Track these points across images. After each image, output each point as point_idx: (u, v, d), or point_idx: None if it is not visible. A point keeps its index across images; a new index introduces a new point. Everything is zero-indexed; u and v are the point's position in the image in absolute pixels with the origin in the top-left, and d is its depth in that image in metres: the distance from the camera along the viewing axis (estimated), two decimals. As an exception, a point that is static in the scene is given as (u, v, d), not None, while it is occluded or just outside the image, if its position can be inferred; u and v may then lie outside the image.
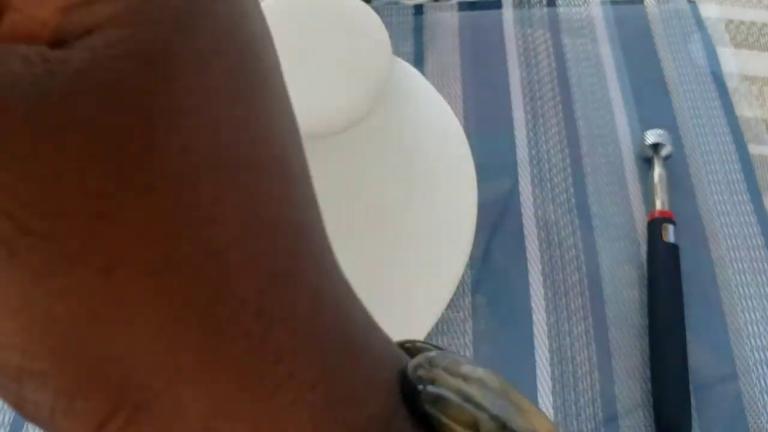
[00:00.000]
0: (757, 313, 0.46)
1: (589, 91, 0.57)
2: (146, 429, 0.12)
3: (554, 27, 0.61)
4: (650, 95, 0.56)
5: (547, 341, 0.45)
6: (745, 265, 0.48)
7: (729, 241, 0.49)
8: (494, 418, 0.14)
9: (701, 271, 0.47)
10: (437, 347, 0.16)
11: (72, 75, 0.11)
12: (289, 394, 0.13)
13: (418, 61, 0.58)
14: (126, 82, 0.11)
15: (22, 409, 0.12)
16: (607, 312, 0.46)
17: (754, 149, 0.53)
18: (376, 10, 0.49)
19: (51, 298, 0.11)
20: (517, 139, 0.54)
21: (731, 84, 0.57)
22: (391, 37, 0.38)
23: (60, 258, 0.11)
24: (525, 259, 0.48)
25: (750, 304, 0.46)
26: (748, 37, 0.60)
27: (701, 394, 0.43)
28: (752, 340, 0.45)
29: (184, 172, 0.12)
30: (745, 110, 0.56)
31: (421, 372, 0.15)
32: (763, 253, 0.48)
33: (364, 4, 0.38)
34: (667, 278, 0.46)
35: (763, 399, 0.43)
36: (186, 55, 0.12)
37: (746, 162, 0.52)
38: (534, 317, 0.46)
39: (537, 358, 0.44)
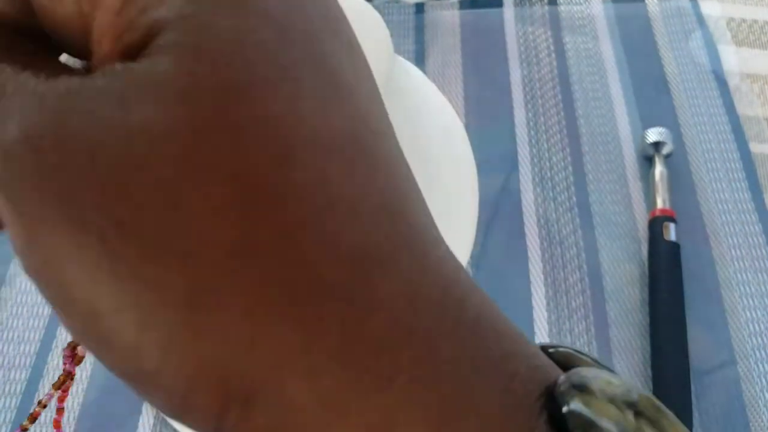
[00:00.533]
0: (759, 312, 0.46)
1: (590, 89, 0.57)
2: (260, 420, 0.12)
3: (555, 25, 0.61)
4: (651, 93, 0.56)
5: (548, 339, 0.45)
6: (746, 264, 0.48)
7: (730, 240, 0.49)
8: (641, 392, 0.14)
9: (702, 269, 0.47)
10: (579, 352, 0.16)
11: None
12: (400, 390, 0.12)
13: (419, 60, 0.58)
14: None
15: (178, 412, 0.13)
16: (608, 310, 0.46)
17: (755, 147, 0.53)
18: (377, 8, 0.49)
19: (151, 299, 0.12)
20: (518, 138, 0.54)
21: (732, 82, 0.57)
22: (391, 35, 0.38)
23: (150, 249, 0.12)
24: (526, 258, 0.48)
25: (751, 302, 0.46)
26: (750, 35, 0.60)
27: (701, 391, 0.43)
28: (754, 339, 0.45)
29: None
30: (746, 108, 0.55)
31: (572, 396, 0.13)
32: (764, 251, 0.48)
33: (364, 2, 0.38)
34: (668, 276, 0.46)
35: (764, 396, 0.43)
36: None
37: (747, 160, 0.52)
38: (534, 315, 0.46)
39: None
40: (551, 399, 0.14)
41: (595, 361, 0.15)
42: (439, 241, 0.14)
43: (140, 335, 0.12)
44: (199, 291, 0.12)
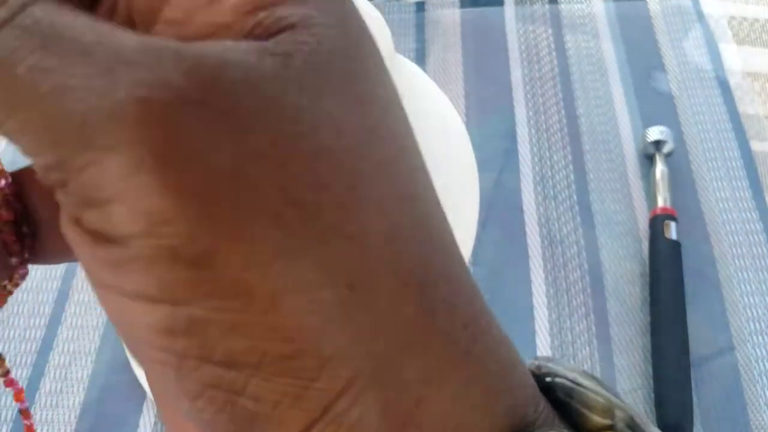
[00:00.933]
0: (759, 310, 0.46)
1: (590, 87, 0.57)
2: (371, 398, 0.13)
3: (556, 23, 0.61)
4: (652, 92, 0.56)
5: (548, 338, 0.45)
6: (746, 262, 0.48)
7: (731, 238, 0.49)
8: (624, 408, 0.15)
9: (703, 267, 0.47)
10: (578, 384, 0.17)
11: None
12: (476, 362, 0.14)
13: (420, 59, 0.58)
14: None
15: (232, 409, 0.12)
16: (609, 309, 0.46)
17: (756, 146, 0.53)
18: (378, 7, 0.49)
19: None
20: (518, 136, 0.54)
21: (733, 81, 0.57)
22: (392, 34, 0.38)
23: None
24: (526, 257, 0.48)
25: (752, 300, 0.46)
26: (751, 33, 0.60)
27: (702, 388, 0.43)
28: (755, 337, 0.45)
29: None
30: (747, 107, 0.55)
31: (544, 369, 0.16)
32: (764, 249, 0.48)
33: (365, 0, 0.38)
34: (668, 275, 0.46)
35: (765, 395, 0.43)
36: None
37: (748, 159, 0.52)
38: (535, 314, 0.46)
39: (539, 355, 0.44)
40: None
41: (598, 384, 0.16)
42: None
43: (301, 318, 0.12)
44: (360, 273, 0.12)
